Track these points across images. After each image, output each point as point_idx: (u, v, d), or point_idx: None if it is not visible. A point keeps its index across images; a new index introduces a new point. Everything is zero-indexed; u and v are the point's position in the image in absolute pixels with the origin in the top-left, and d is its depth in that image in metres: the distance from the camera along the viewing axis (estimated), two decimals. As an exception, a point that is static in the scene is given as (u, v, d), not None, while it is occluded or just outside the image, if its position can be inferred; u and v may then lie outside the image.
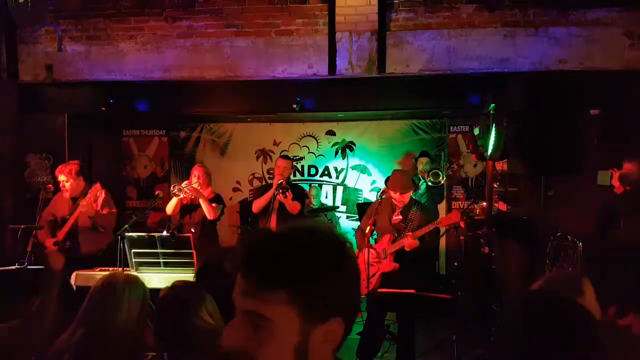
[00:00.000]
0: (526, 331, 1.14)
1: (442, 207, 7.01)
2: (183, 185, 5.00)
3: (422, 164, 6.46)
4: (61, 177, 4.69)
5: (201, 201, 4.93)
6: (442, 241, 6.94)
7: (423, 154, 6.67)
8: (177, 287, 1.88)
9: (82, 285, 4.14)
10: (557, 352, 1.08)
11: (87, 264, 4.41)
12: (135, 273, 1.87)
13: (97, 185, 4.56)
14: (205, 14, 5.81)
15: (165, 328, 1.80)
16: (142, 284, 1.97)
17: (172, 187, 5.08)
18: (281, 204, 4.95)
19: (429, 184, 6.03)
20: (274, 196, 4.86)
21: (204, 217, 5.00)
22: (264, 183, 7.52)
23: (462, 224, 6.06)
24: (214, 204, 5.00)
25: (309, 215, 6.90)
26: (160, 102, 6.31)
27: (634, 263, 4.70)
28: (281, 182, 4.92)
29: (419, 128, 7.32)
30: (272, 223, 5.00)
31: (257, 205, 5.10)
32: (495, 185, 5.19)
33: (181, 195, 4.96)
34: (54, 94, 6.25)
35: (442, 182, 6.09)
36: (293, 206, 4.93)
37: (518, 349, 1.13)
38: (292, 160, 5.40)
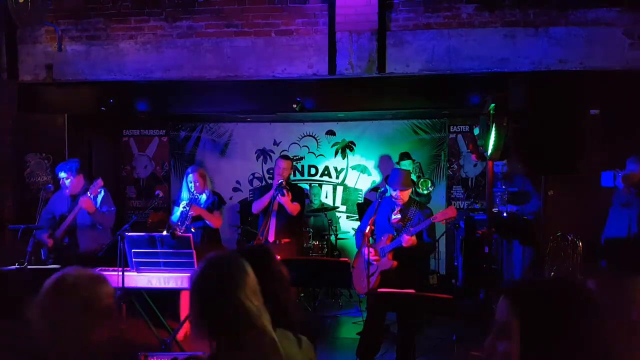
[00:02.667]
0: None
1: (441, 207, 7.01)
2: (181, 207, 4.77)
3: (405, 166, 6.38)
4: (62, 175, 4.69)
5: (204, 217, 4.84)
6: (442, 241, 6.95)
7: (403, 156, 6.56)
8: (215, 259, 1.68)
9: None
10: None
11: (86, 264, 4.40)
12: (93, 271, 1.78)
13: (99, 182, 4.55)
14: (205, 14, 5.82)
15: (208, 308, 1.58)
16: (93, 281, 1.85)
17: (174, 230, 4.56)
18: (281, 205, 4.93)
19: (419, 191, 6.01)
20: (274, 197, 4.84)
21: (206, 224, 4.92)
22: (264, 183, 7.52)
23: (461, 224, 6.08)
24: (216, 212, 4.88)
25: (309, 216, 6.91)
26: (160, 102, 6.32)
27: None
28: (281, 182, 4.90)
29: (419, 128, 7.32)
30: (272, 224, 4.99)
31: (256, 207, 5.09)
32: (495, 185, 5.20)
33: (187, 223, 4.80)
34: (54, 94, 6.26)
35: (431, 190, 6.09)
36: (293, 207, 4.92)
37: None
38: (292, 160, 5.37)
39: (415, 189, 5.96)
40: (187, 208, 4.74)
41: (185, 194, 4.89)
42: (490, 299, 5.34)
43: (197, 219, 4.88)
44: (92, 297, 1.80)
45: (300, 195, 5.12)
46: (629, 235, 4.89)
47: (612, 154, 5.04)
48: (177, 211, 4.86)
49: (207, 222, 4.86)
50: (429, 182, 6.10)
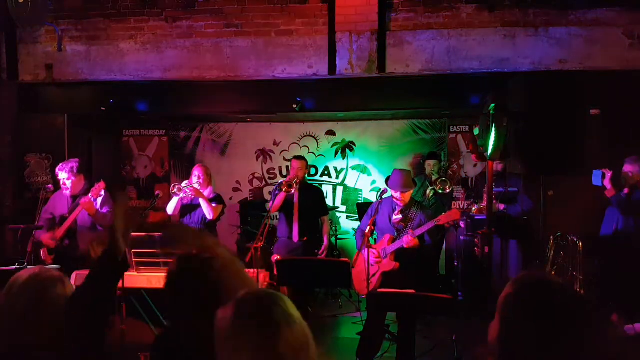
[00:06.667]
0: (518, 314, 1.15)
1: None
2: (183, 184, 5.01)
3: (430, 166, 6.43)
4: (62, 175, 4.68)
5: (201, 201, 4.94)
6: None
7: (431, 155, 6.62)
8: None
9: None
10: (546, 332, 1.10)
11: (86, 265, 4.40)
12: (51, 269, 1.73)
13: (102, 184, 4.55)
14: (205, 14, 5.82)
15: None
16: (47, 281, 1.80)
17: (171, 187, 5.08)
18: (302, 205, 5.06)
19: (439, 192, 6.02)
20: (289, 195, 4.96)
21: (204, 217, 5.00)
22: (264, 183, 7.56)
23: (462, 224, 6.07)
24: (214, 204, 5.00)
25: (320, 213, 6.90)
26: (160, 102, 6.32)
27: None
28: (281, 183, 5.02)
29: (419, 128, 7.32)
30: (295, 224, 5.09)
31: (272, 206, 5.15)
32: (495, 185, 5.19)
33: (181, 195, 4.96)
34: (54, 94, 6.26)
35: (449, 190, 6.11)
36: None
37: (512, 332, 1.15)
38: (306, 160, 5.42)
39: (435, 188, 6.01)
40: (188, 185, 4.96)
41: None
42: (489, 299, 5.34)
43: (196, 218, 4.96)
44: (41, 297, 1.76)
45: (319, 197, 5.38)
46: (614, 233, 4.89)
47: (612, 154, 5.04)
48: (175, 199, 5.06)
49: (204, 211, 4.96)
50: (448, 182, 6.10)
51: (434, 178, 6.09)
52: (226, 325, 1.22)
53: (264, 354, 1.18)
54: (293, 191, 4.95)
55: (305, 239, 5.10)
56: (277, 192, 5.00)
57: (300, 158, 5.30)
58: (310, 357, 1.23)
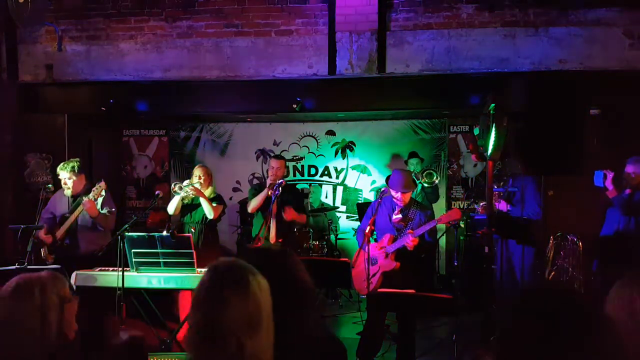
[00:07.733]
0: (524, 325, 1.14)
1: (441, 207, 7.00)
2: (184, 184, 5.00)
3: (413, 165, 6.41)
4: (63, 175, 4.67)
5: (202, 200, 4.93)
6: (442, 241, 6.94)
7: (412, 155, 6.59)
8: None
9: (82, 285, 4.14)
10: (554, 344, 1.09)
11: (86, 264, 4.40)
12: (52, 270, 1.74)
13: (102, 184, 4.54)
14: (205, 14, 5.82)
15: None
16: (49, 280, 1.82)
17: (172, 186, 5.07)
18: (279, 205, 4.97)
19: (424, 185, 5.99)
20: (274, 197, 4.87)
21: (205, 216, 5.00)
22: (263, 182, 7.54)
23: (461, 224, 6.07)
24: (215, 204, 4.99)
25: (312, 214, 6.91)
26: (160, 102, 6.31)
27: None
28: (280, 182, 4.97)
29: (419, 128, 7.32)
30: (273, 225, 5.01)
31: (253, 206, 5.11)
32: (495, 186, 5.18)
33: (181, 194, 4.95)
34: (54, 94, 6.26)
35: (436, 182, 6.05)
36: (301, 218, 5.11)
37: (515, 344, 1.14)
38: (285, 159, 5.41)
39: (422, 183, 5.96)
40: (189, 184, 4.94)
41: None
42: (490, 299, 5.34)
43: (197, 218, 4.95)
44: (51, 295, 1.79)
45: (300, 200, 5.28)
46: (615, 234, 4.88)
47: (612, 154, 5.04)
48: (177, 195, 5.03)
49: (205, 211, 4.95)
50: (434, 174, 6.02)
51: (417, 173, 6.05)
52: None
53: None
54: (277, 192, 4.91)
55: (281, 240, 5.03)
56: (278, 193, 4.94)
57: (279, 157, 5.29)
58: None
